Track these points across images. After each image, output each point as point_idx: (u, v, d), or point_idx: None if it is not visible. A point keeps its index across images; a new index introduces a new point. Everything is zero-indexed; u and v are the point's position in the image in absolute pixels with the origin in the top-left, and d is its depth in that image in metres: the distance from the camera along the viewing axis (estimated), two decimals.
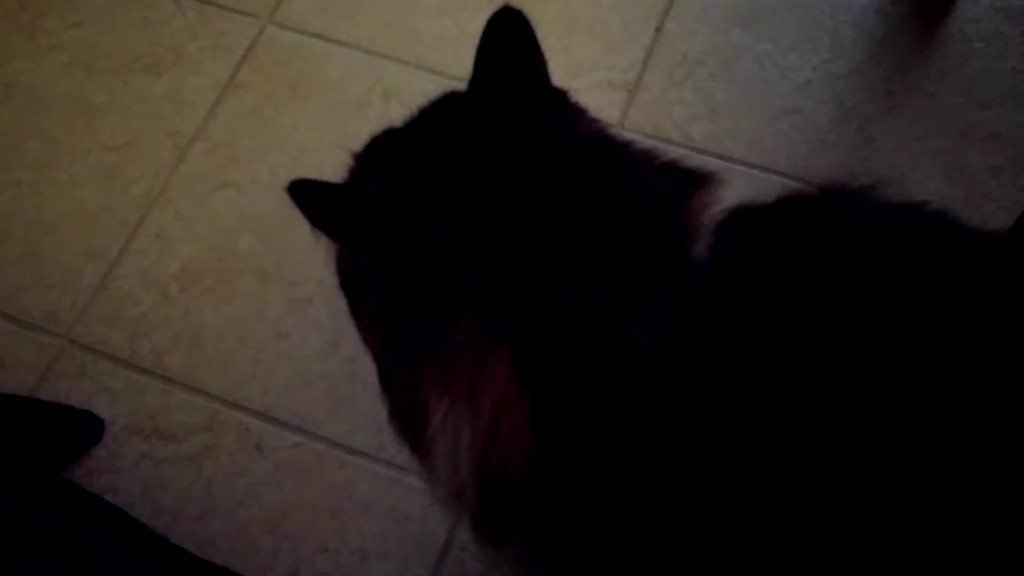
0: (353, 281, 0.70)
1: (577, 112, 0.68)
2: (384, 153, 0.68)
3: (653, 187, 0.60)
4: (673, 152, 1.18)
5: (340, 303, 1.08)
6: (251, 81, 1.22)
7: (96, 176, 1.17)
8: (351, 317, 0.71)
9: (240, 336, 1.06)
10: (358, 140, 1.17)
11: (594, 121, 0.67)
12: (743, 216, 0.60)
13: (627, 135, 1.15)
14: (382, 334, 0.66)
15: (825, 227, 0.60)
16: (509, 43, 0.68)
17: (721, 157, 1.14)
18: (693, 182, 0.61)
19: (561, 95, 0.68)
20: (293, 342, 1.06)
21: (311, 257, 1.10)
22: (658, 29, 1.23)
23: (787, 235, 0.60)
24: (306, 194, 0.64)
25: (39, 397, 1.03)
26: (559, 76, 1.21)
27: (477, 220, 0.58)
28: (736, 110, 1.18)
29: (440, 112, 0.67)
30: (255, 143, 1.18)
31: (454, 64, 1.21)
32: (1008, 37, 1.20)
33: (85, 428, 1.01)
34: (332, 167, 1.16)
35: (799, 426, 0.54)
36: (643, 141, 1.18)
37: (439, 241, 0.58)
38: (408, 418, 0.65)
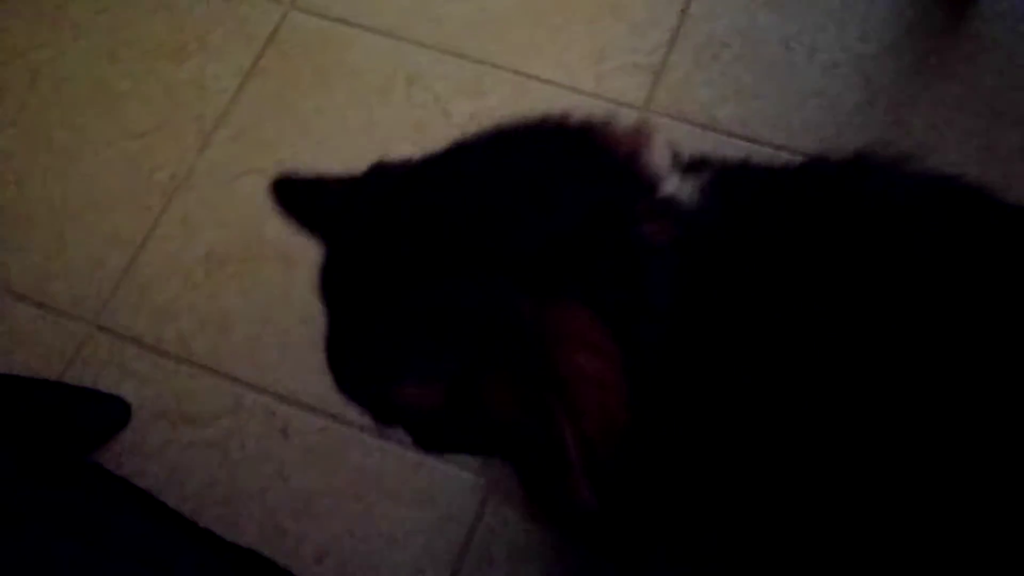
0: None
1: None
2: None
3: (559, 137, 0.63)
4: (699, 135, 1.18)
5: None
6: (274, 67, 1.22)
7: (121, 163, 1.17)
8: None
9: (266, 321, 1.06)
10: (382, 125, 1.17)
11: None
12: (752, 175, 0.61)
13: (653, 118, 1.15)
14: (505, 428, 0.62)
15: (848, 190, 0.61)
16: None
17: (747, 139, 1.13)
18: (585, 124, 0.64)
19: None
20: (319, 327, 1.05)
21: None
22: (683, 11, 1.22)
23: (804, 195, 0.60)
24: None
25: (66, 382, 1.03)
26: (585, 60, 1.21)
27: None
28: (762, 92, 1.16)
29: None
30: (279, 128, 1.18)
31: (477, 48, 1.21)
32: None
33: (112, 412, 1.01)
34: (358, 151, 1.17)
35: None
36: (670, 124, 1.18)
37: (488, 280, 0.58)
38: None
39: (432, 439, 0.68)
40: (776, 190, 0.62)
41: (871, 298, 0.56)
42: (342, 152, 1.16)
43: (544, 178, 0.60)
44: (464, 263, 0.57)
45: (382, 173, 0.70)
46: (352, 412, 1.00)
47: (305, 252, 1.10)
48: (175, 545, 0.89)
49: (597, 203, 0.58)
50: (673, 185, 0.60)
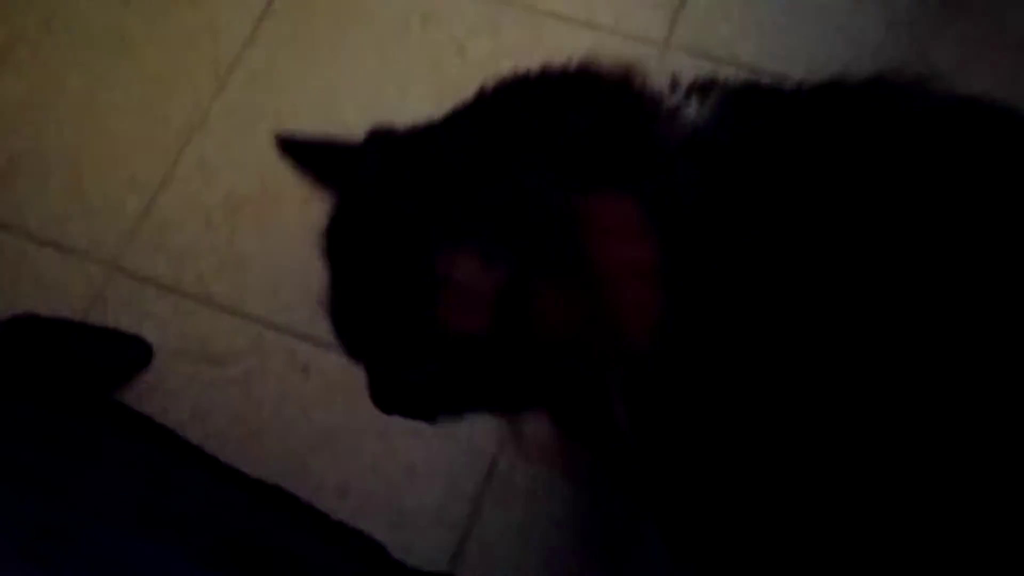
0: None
1: None
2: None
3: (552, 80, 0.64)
4: (721, 72, 1.16)
5: None
6: (288, 9, 1.21)
7: (137, 107, 1.16)
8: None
9: (285, 261, 1.06)
10: (397, 64, 1.16)
11: None
12: (761, 94, 0.63)
13: (673, 55, 1.14)
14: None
15: (862, 107, 0.61)
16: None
17: (769, 75, 1.11)
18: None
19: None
20: None
21: None
22: None
23: (816, 111, 0.61)
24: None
25: (89, 322, 1.04)
26: None
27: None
28: (784, 27, 1.14)
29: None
30: (294, 70, 1.17)
31: None
32: None
33: (134, 352, 1.02)
34: (374, 92, 1.16)
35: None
36: (690, 61, 1.16)
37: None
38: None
39: (452, 392, 0.68)
40: (787, 107, 0.63)
41: (881, 211, 0.55)
42: (359, 93, 1.15)
43: (553, 104, 0.62)
44: (507, 165, 0.58)
45: (385, 137, 0.73)
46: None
47: (323, 192, 1.10)
48: (197, 478, 0.90)
49: (607, 114, 0.60)
50: (677, 102, 0.61)
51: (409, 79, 1.15)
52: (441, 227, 0.60)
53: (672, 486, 0.65)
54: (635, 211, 0.55)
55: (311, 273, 1.07)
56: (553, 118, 0.61)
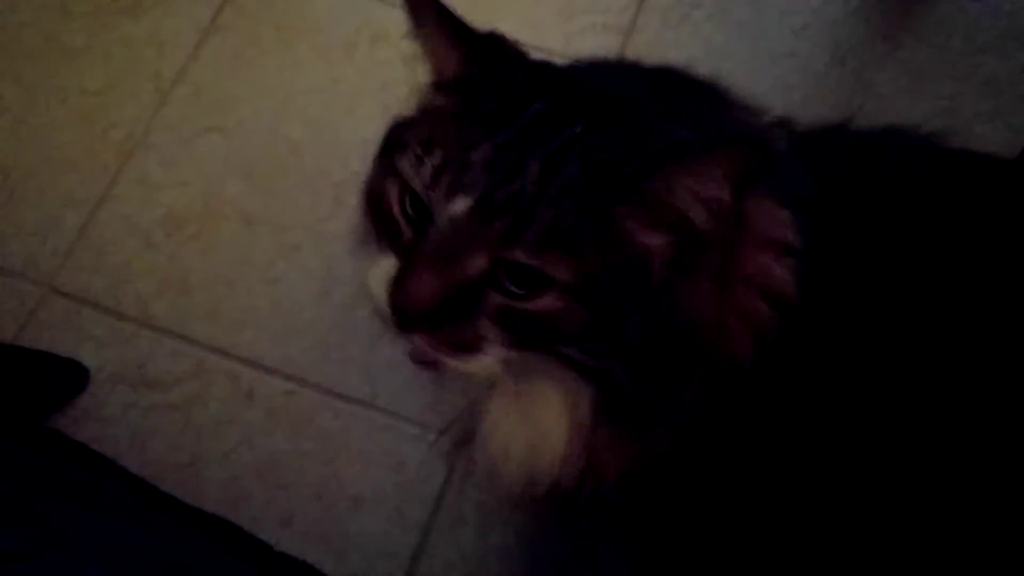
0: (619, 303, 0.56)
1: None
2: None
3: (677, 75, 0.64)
4: None
5: (330, 248, 1.06)
6: (234, 23, 1.18)
7: (75, 120, 1.13)
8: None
9: (228, 283, 1.04)
10: (345, 83, 1.14)
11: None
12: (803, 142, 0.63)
13: None
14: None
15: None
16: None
17: None
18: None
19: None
20: (283, 288, 1.03)
21: (300, 201, 1.08)
22: None
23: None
24: None
25: (20, 345, 1.00)
26: (554, 19, 1.19)
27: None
28: (733, 53, 1.15)
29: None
30: (240, 86, 1.14)
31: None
32: None
33: (69, 376, 0.98)
34: (321, 109, 1.14)
35: None
36: None
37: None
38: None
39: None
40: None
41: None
42: (305, 110, 1.13)
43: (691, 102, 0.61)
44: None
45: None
46: (319, 375, 0.98)
47: (266, 212, 1.09)
48: (137, 511, 0.87)
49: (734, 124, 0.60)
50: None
51: (357, 97, 1.13)
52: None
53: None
54: (791, 224, 0.55)
55: (254, 294, 1.05)
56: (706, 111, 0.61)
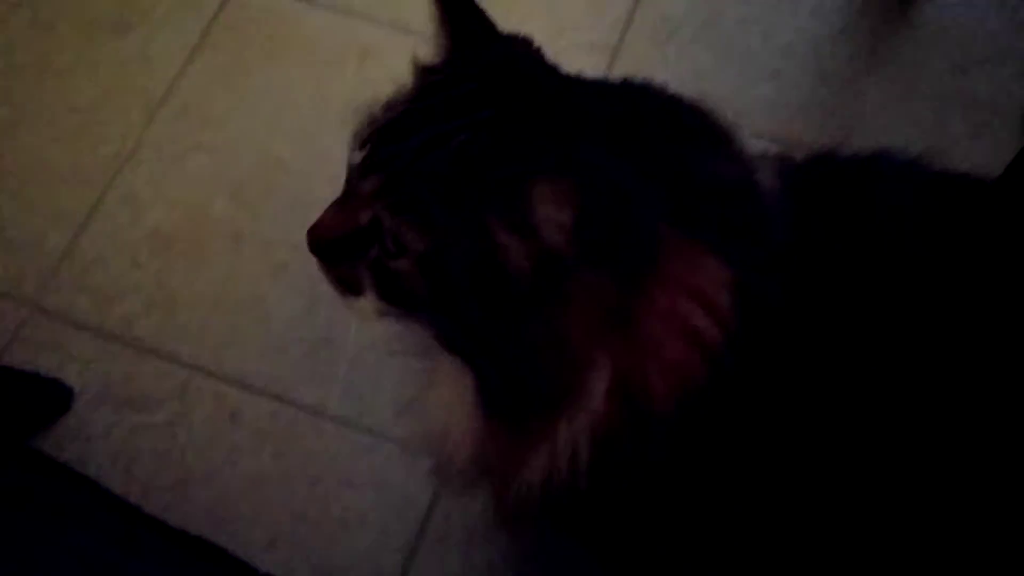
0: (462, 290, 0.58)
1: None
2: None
3: (680, 104, 0.62)
4: None
5: (316, 266, 1.06)
6: (222, 41, 1.18)
7: (63, 138, 1.13)
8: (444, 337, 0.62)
9: (214, 301, 1.03)
10: (334, 101, 1.15)
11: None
12: (794, 172, 0.62)
13: None
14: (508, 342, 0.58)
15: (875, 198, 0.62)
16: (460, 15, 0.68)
17: None
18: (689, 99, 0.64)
19: (529, 41, 0.67)
20: (269, 307, 1.03)
21: (287, 219, 1.08)
22: None
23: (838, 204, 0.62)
24: None
25: (4, 364, 1.00)
26: (541, 37, 1.19)
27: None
28: (718, 72, 1.16)
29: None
30: (228, 104, 1.14)
31: (430, 24, 1.18)
32: (984, 2, 1.20)
33: (53, 396, 0.98)
34: (310, 127, 1.14)
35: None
36: None
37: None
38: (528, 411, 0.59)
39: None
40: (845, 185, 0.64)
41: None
42: (294, 128, 1.13)
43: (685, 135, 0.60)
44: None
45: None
46: (305, 395, 0.98)
47: (253, 230, 1.09)
48: (120, 531, 0.87)
49: (738, 181, 0.58)
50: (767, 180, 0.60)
51: (346, 115, 1.13)
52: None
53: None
54: (727, 284, 0.54)
55: (241, 314, 1.05)
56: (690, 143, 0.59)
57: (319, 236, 0.62)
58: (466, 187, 0.55)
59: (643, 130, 0.58)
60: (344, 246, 0.60)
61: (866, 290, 0.57)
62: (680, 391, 0.54)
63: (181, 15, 1.20)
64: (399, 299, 0.60)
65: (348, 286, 0.63)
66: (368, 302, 0.61)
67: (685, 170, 0.56)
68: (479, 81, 0.59)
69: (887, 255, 0.59)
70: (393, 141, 0.58)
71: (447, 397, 0.64)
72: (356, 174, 0.60)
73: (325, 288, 1.04)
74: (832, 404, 0.56)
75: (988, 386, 0.56)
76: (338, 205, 0.62)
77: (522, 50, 0.64)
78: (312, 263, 1.06)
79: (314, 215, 1.08)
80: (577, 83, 0.63)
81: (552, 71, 0.64)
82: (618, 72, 1.17)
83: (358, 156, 0.60)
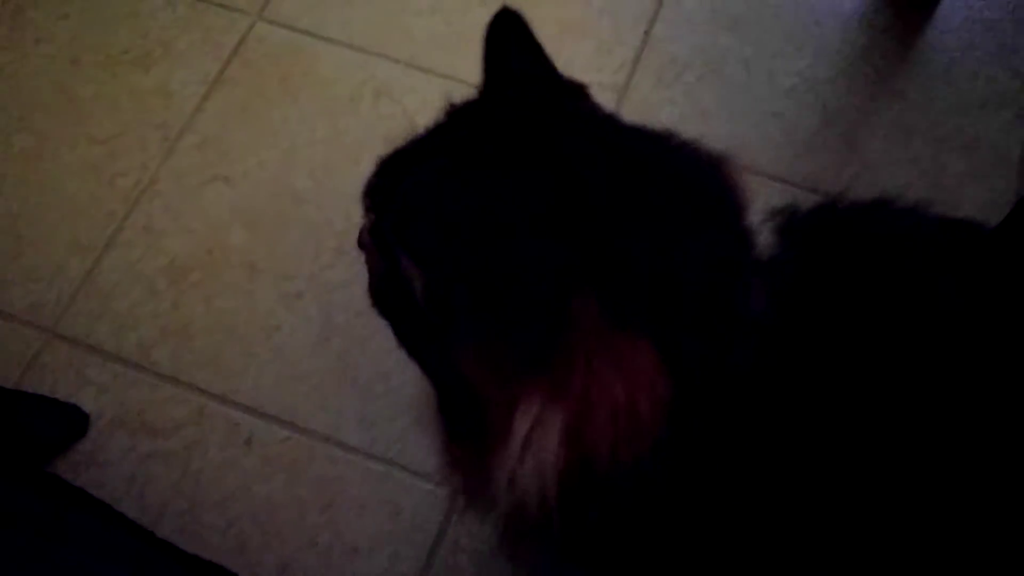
0: (402, 307, 0.63)
1: (596, 104, 0.69)
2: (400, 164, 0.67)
3: (700, 165, 0.61)
4: None
5: (331, 296, 1.09)
6: (241, 76, 1.21)
7: (83, 168, 1.15)
8: (401, 345, 0.67)
9: (229, 330, 1.05)
10: (349, 135, 1.18)
11: (608, 112, 0.69)
12: (794, 226, 0.61)
13: None
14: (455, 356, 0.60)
15: (875, 246, 0.62)
16: (513, 44, 0.68)
17: None
18: (718, 158, 0.63)
19: (581, 88, 0.69)
20: (283, 336, 1.05)
21: (302, 251, 1.10)
22: (647, 32, 1.24)
23: (837, 253, 0.61)
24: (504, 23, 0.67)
25: (22, 389, 1.01)
26: None
27: (581, 221, 0.56)
28: (723, 112, 1.19)
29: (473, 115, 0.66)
30: (245, 137, 1.17)
31: (445, 63, 1.22)
32: (984, 47, 1.23)
33: (69, 422, 0.99)
34: (325, 161, 1.17)
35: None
36: None
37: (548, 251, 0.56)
38: (473, 439, 0.60)
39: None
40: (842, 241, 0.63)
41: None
42: (310, 161, 1.16)
43: (680, 202, 0.58)
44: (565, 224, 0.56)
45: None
46: (317, 423, 1.00)
47: (269, 260, 1.11)
48: (132, 553, 0.88)
49: (719, 256, 0.57)
50: (764, 238, 0.59)
51: (360, 150, 1.16)
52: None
53: None
54: (661, 373, 0.54)
55: (255, 342, 1.07)
56: (675, 222, 0.57)
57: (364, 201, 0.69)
58: (391, 213, 0.61)
59: (639, 195, 0.57)
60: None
61: (862, 349, 0.57)
62: (617, 449, 0.55)
63: (201, 51, 1.23)
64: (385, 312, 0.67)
65: (363, 241, 0.69)
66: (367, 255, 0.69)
67: (651, 245, 0.56)
68: (478, 123, 0.63)
69: (886, 311, 0.58)
70: (379, 175, 0.66)
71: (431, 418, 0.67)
72: None
73: (339, 317, 1.07)
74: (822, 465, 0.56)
75: (987, 451, 0.56)
76: None
77: (562, 93, 0.67)
78: (327, 292, 1.09)
79: (328, 247, 1.11)
80: (602, 134, 0.63)
81: (586, 117, 0.65)
82: (625, 112, 1.20)
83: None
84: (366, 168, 1.22)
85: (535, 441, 0.55)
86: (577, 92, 0.68)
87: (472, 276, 0.55)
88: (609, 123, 0.65)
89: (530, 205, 0.56)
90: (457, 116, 0.66)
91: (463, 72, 1.21)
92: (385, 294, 0.65)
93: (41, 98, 1.20)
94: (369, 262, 0.68)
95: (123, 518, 0.94)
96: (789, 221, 0.60)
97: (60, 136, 1.17)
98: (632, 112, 1.19)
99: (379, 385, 1.02)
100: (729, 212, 0.59)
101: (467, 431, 0.60)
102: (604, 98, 1.21)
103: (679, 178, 0.59)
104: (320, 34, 1.24)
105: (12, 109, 1.19)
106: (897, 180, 1.14)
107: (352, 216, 1.12)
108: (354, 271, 1.09)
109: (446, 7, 1.26)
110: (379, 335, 1.04)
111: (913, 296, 0.59)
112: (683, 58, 1.23)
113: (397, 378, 1.02)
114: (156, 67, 1.22)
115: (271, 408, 1.01)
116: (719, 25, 1.25)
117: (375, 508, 0.96)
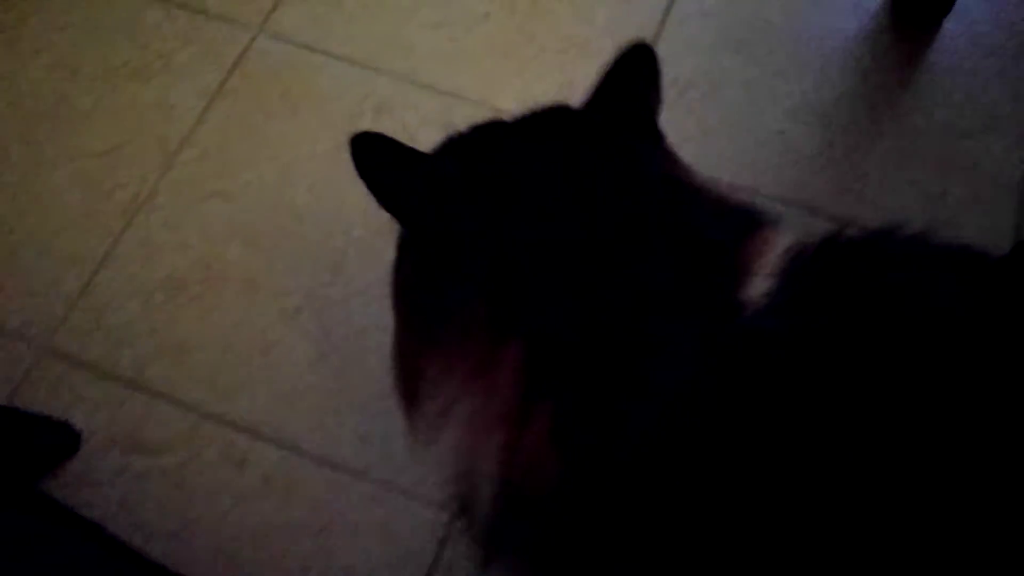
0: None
1: (666, 153, 0.69)
2: (469, 140, 0.70)
3: (709, 228, 0.59)
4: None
5: (329, 313, 1.08)
6: (241, 89, 1.21)
7: (81, 181, 1.14)
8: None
9: (226, 347, 1.04)
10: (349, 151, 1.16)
11: (679, 165, 0.68)
12: (798, 264, 0.59)
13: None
14: (402, 298, 0.68)
15: (880, 278, 0.59)
16: (632, 76, 0.70)
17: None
18: (752, 224, 0.60)
19: (658, 135, 0.70)
20: (281, 353, 1.04)
21: (301, 266, 1.09)
22: None
23: (841, 287, 0.58)
24: (365, 146, 0.66)
25: (14, 406, 1.00)
26: (551, 95, 1.22)
27: (518, 218, 0.59)
28: (726, 133, 1.19)
29: (540, 121, 0.69)
30: (245, 151, 1.16)
31: (447, 79, 1.21)
32: (986, 71, 1.23)
33: (61, 439, 0.98)
34: (325, 176, 1.16)
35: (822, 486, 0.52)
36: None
37: (468, 223, 0.60)
38: (411, 385, 0.66)
39: None
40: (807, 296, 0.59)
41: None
42: (310, 176, 1.15)
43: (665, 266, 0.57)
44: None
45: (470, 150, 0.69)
46: (313, 443, 0.99)
47: (267, 276, 1.10)
48: (122, 574, 0.87)
49: (650, 325, 0.55)
50: (756, 292, 0.56)
51: None
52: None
53: None
54: (546, 442, 0.54)
55: (252, 360, 1.06)
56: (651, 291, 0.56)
57: None
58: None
59: (619, 252, 0.58)
60: None
61: (861, 391, 0.54)
62: (529, 476, 0.56)
63: (201, 64, 1.22)
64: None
65: None
66: None
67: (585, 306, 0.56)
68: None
69: (891, 348, 0.55)
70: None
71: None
72: None
73: (337, 335, 1.06)
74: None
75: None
76: None
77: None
78: (325, 309, 1.08)
79: (328, 262, 1.10)
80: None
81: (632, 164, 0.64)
82: None
83: None
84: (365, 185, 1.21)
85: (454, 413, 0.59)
86: (655, 137, 0.69)
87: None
88: (653, 175, 0.64)
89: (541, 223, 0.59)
90: (538, 116, 0.69)
91: (466, 89, 1.21)
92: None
93: (39, 109, 1.19)
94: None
95: (113, 539, 0.93)
96: (794, 262, 0.58)
97: (58, 148, 1.16)
98: None
99: (377, 404, 1.01)
100: (712, 284, 0.57)
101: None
102: None
103: (673, 237, 0.58)
104: (322, 49, 1.24)
105: (10, 119, 1.18)
106: (898, 202, 1.14)
107: (351, 232, 1.11)
108: (353, 288, 1.08)
109: (450, 23, 1.25)
110: (377, 353, 1.03)
111: (915, 347, 0.55)
112: (686, 78, 1.22)
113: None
114: (156, 79, 1.21)
115: (266, 428, 1.00)
116: (722, 46, 1.24)
117: (370, 532, 0.95)
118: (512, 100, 1.20)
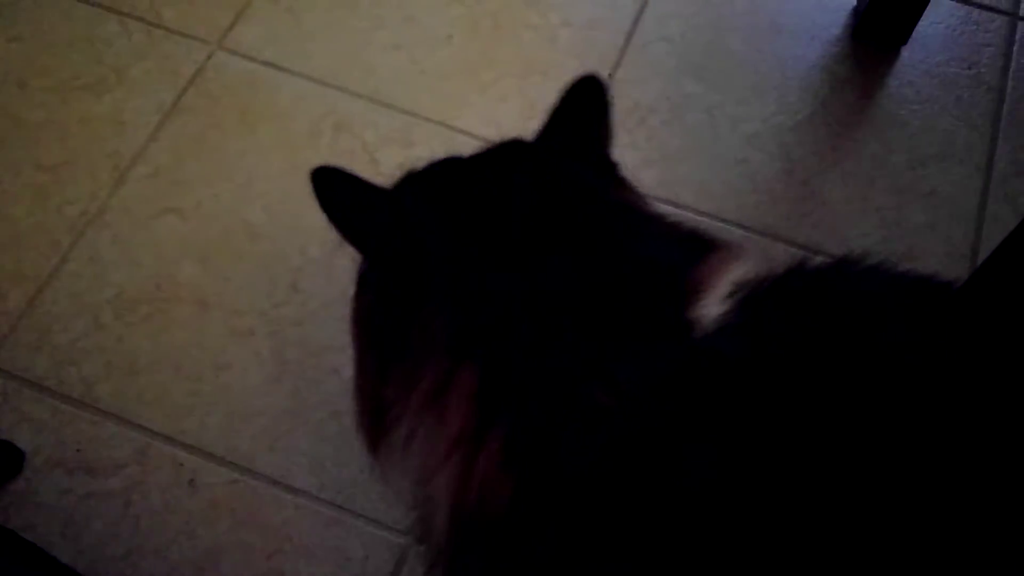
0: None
1: (620, 181, 0.70)
2: (426, 174, 0.70)
3: (660, 252, 0.60)
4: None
5: (284, 334, 1.06)
6: (197, 106, 1.19)
7: (28, 195, 1.11)
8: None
9: (177, 367, 1.02)
10: (307, 169, 1.15)
11: (632, 193, 0.70)
12: (754, 290, 0.58)
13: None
14: (362, 329, 0.69)
15: (836, 306, 0.59)
16: (583, 108, 0.71)
17: (671, 203, 1.15)
18: (703, 249, 0.60)
19: (611, 164, 0.71)
20: (233, 374, 1.02)
21: (255, 286, 1.07)
22: (611, 76, 1.24)
23: (795, 313, 0.58)
24: (326, 180, 0.66)
25: None
26: (515, 118, 1.22)
27: (474, 248, 0.60)
28: (687, 158, 1.19)
29: (495, 156, 0.69)
30: (200, 169, 1.14)
31: (407, 99, 1.20)
32: (942, 100, 1.25)
33: (2, 459, 0.95)
34: (281, 195, 1.14)
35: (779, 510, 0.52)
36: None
37: (427, 254, 0.61)
38: (374, 418, 0.66)
39: None
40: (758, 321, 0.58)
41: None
42: (265, 196, 1.13)
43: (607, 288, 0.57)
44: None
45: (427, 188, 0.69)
46: (266, 465, 0.96)
47: (220, 296, 1.08)
48: None
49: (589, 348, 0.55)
50: (705, 315, 0.56)
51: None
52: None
53: None
54: (497, 464, 0.54)
55: (203, 380, 1.03)
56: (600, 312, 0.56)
57: None
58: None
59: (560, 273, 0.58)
60: None
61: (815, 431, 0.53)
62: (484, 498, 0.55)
63: (156, 79, 1.20)
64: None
65: None
66: None
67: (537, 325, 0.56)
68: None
69: (835, 377, 0.55)
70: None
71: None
72: None
73: (291, 355, 1.04)
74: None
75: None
76: None
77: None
78: (280, 330, 1.06)
79: (283, 282, 1.09)
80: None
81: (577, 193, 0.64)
82: None
83: None
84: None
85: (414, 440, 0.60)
86: (608, 167, 0.71)
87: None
88: (605, 203, 0.64)
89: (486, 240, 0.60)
90: (493, 151, 0.69)
91: (425, 109, 1.20)
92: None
93: None
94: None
95: (55, 563, 0.90)
96: (748, 291, 0.57)
97: (4, 161, 1.13)
98: None
99: (331, 425, 0.99)
100: (661, 307, 0.56)
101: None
102: None
103: (624, 262, 0.59)
104: (281, 66, 1.23)
105: None
106: (857, 229, 1.15)
107: (307, 251, 1.10)
108: (308, 309, 1.06)
109: (410, 44, 1.25)
110: (333, 375, 1.02)
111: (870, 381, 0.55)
112: (647, 103, 1.23)
113: (350, 418, 0.98)
114: (109, 94, 1.19)
115: (218, 449, 0.97)
116: (684, 72, 1.25)
117: (324, 556, 0.92)
118: (473, 121, 1.20)
